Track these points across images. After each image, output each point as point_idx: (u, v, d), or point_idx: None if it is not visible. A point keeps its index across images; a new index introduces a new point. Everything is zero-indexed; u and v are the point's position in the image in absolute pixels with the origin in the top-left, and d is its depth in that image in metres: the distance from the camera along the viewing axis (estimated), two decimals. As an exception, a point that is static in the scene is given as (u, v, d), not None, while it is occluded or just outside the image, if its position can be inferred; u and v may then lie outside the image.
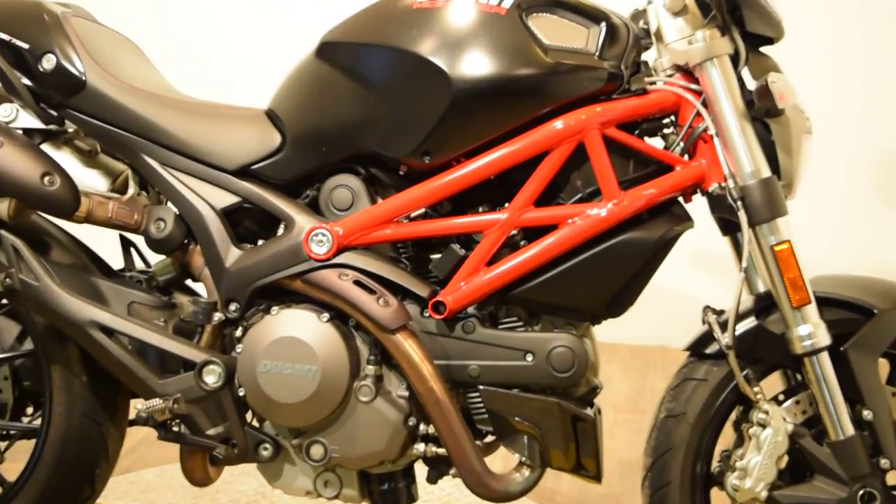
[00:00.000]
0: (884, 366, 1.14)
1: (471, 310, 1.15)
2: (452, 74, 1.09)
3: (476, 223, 1.14)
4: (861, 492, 1.08)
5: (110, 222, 1.24)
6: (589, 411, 1.15)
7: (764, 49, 1.15)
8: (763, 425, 1.08)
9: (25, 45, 1.22)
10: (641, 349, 2.53)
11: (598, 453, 1.16)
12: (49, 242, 1.30)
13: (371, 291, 1.12)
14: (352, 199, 1.18)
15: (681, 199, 1.16)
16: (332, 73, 1.17)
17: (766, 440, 1.08)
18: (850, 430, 1.08)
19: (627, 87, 1.14)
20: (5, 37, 1.23)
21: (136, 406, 1.19)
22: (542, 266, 1.12)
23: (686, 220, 1.15)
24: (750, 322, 1.13)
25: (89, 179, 1.28)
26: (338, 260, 1.15)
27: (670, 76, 1.14)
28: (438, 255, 1.16)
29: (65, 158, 1.28)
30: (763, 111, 1.10)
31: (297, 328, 1.14)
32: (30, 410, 1.37)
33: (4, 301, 1.31)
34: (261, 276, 1.17)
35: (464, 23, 1.11)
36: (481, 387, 1.15)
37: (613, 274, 1.12)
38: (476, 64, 1.09)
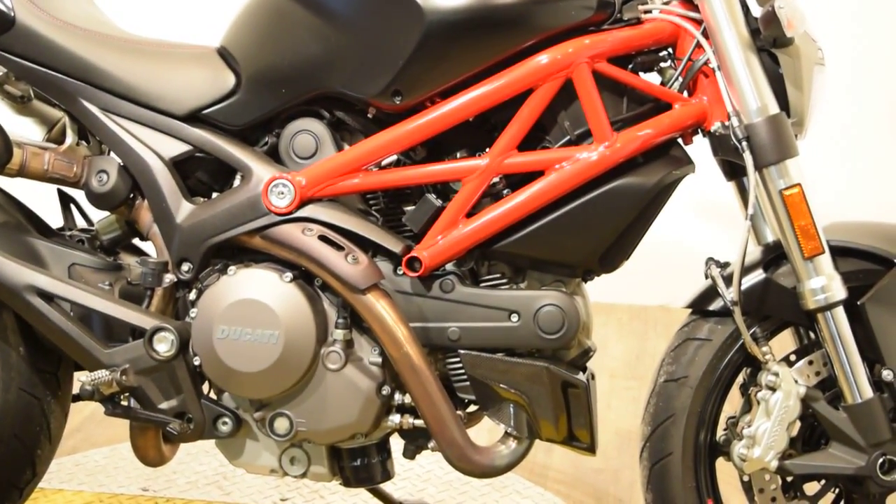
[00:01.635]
0: None
1: (449, 266, 1.11)
2: (424, 2, 1.02)
3: (453, 170, 1.09)
4: (881, 460, 1.03)
5: (46, 175, 1.18)
6: (581, 376, 1.10)
7: None
8: (773, 388, 1.03)
9: None
10: (641, 309, 2.49)
11: (592, 422, 1.11)
12: None
13: (338, 248, 1.07)
14: (315, 145, 1.13)
15: (680, 140, 1.11)
16: (290, 4, 1.11)
17: (775, 405, 1.03)
18: (868, 392, 1.03)
19: (619, 16, 1.08)
20: None
21: (80, 379, 1.14)
22: (528, 217, 1.07)
23: (687, 164, 1.10)
24: (758, 275, 1.07)
25: (22, 128, 1.23)
26: (301, 213, 1.10)
27: (667, 3, 1.09)
28: (412, 207, 1.12)
29: (7, 106, 1.24)
30: (770, 40, 1.04)
31: (257, 289, 1.09)
32: None
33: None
34: (216, 233, 1.12)
35: None
36: (462, 351, 1.11)
37: (606, 224, 1.07)
38: None
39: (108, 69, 1.16)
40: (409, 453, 1.19)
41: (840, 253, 1.05)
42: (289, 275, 1.08)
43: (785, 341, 1.12)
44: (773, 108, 1.03)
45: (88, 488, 1.67)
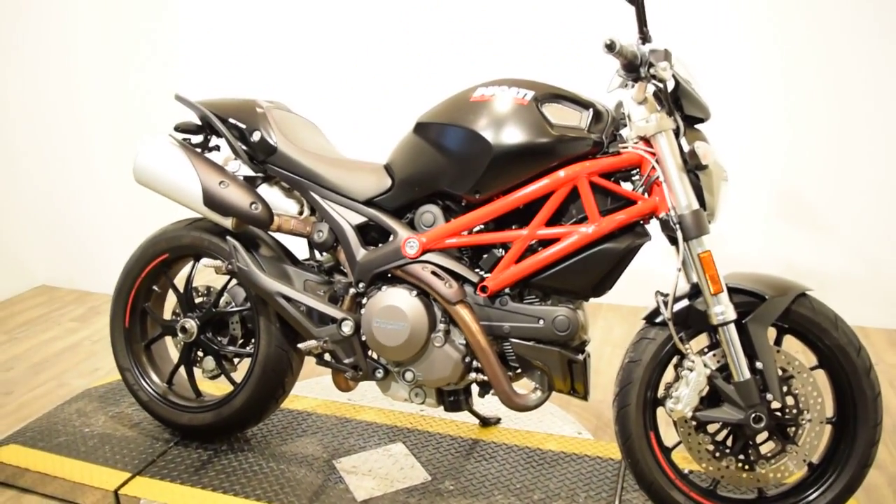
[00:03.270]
0: (773, 332, 1.65)
1: (507, 290, 1.74)
2: (493, 143, 1.66)
3: (508, 236, 1.72)
4: (753, 415, 1.61)
5: (292, 232, 1.95)
6: (580, 356, 1.70)
7: (699, 126, 1.67)
8: (690, 369, 1.62)
9: (243, 125, 1.95)
10: (634, 308, 3.13)
11: (586, 383, 1.72)
12: (260, 244, 2.03)
13: (441, 278, 1.75)
14: (433, 219, 1.80)
15: (642, 222, 1.69)
16: (421, 142, 1.77)
17: (692, 379, 1.61)
18: (747, 374, 1.60)
19: (607, 150, 1.67)
20: (233, 120, 1.97)
21: (301, 346, 1.90)
22: (551, 264, 1.68)
23: (644, 236, 1.68)
24: (685, 302, 1.65)
25: (286, 205, 1.98)
26: (423, 258, 1.78)
27: (636, 143, 1.65)
28: (486, 255, 1.78)
29: (274, 192, 2.00)
30: (694, 166, 1.60)
31: (396, 299, 1.79)
32: (251, 343, 2.15)
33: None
34: (376, 267, 1.83)
35: (501, 110, 1.68)
36: (511, 339, 1.75)
37: (595, 270, 1.66)
38: (508, 136, 1.66)
39: (324, 175, 1.88)
40: (481, 394, 1.86)
41: (735, 291, 1.61)
42: (415, 292, 1.78)
43: (703, 340, 1.71)
44: (696, 205, 1.58)
45: (318, 396, 2.50)
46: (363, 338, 1.87)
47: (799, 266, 3.21)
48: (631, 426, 1.71)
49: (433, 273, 1.77)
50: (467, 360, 1.80)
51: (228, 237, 1.95)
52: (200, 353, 2.15)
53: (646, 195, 1.66)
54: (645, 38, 1.61)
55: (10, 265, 3.90)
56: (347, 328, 1.86)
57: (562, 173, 1.66)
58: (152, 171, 1.95)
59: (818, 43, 3.02)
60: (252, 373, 2.03)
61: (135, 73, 3.77)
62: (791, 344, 1.65)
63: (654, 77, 1.57)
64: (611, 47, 1.47)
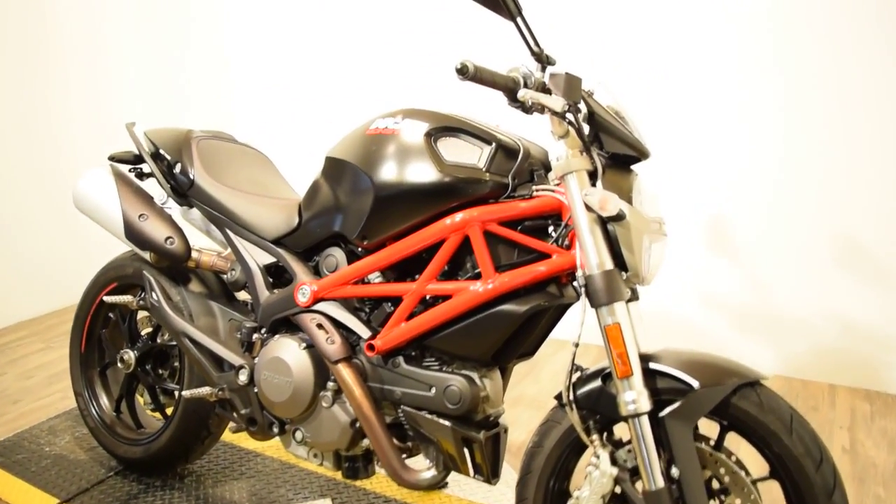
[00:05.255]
0: (715, 427, 1.30)
1: (406, 350, 1.50)
2: (375, 181, 1.45)
3: (396, 289, 1.50)
4: None
5: (212, 269, 1.86)
6: (480, 434, 1.44)
7: (637, 165, 1.36)
8: (595, 466, 1.33)
9: (169, 157, 1.88)
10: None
11: (493, 464, 1.45)
12: (192, 278, 1.94)
13: (326, 332, 1.55)
14: (335, 264, 1.60)
15: (561, 279, 1.40)
16: (322, 179, 1.60)
17: (595, 479, 1.32)
18: (660, 483, 1.26)
19: (513, 194, 1.40)
20: (162, 152, 1.90)
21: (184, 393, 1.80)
22: (444, 324, 1.44)
23: (558, 298, 1.39)
24: (596, 383, 1.35)
25: (216, 241, 1.89)
26: (315, 307, 1.59)
27: (557, 185, 1.37)
28: (376, 310, 1.55)
29: (211, 227, 1.88)
30: (607, 217, 1.28)
31: (284, 351, 1.62)
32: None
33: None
34: (274, 313, 1.67)
35: (389, 145, 1.47)
36: (403, 407, 1.52)
37: (490, 336, 1.40)
38: (389, 174, 1.44)
39: (235, 211, 1.75)
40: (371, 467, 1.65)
41: (659, 373, 1.28)
42: (304, 344, 1.60)
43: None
44: (608, 264, 1.28)
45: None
46: (255, 389, 1.71)
47: (860, 326, 2.64)
48: (530, 526, 1.42)
49: (319, 325, 1.58)
50: (358, 424, 1.59)
51: (144, 271, 1.88)
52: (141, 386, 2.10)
53: (566, 247, 1.38)
54: (541, 59, 1.33)
55: (64, 278, 4.02)
56: (244, 377, 1.72)
57: (449, 220, 1.42)
58: (86, 200, 1.93)
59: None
60: (177, 411, 1.95)
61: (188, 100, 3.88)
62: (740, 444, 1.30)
63: (532, 107, 1.28)
64: (462, 71, 1.21)
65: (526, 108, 1.31)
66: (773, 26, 2.63)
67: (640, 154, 1.35)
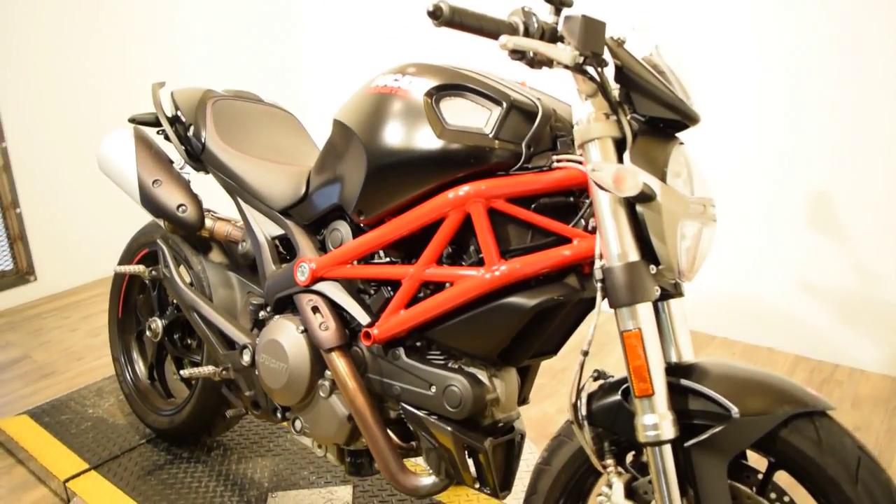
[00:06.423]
0: (762, 461, 1.04)
1: (409, 341, 1.33)
2: (368, 148, 1.27)
3: (394, 272, 1.31)
4: None
5: (227, 239, 1.74)
6: (486, 442, 1.25)
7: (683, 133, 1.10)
8: (607, 497, 1.11)
9: (184, 119, 1.77)
10: (749, 347, 2.36)
11: (501, 477, 1.27)
12: (213, 246, 1.85)
13: (321, 315, 1.39)
14: (340, 239, 1.43)
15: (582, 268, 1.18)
16: (329, 144, 1.42)
17: None
18: None
19: (527, 165, 1.17)
20: (179, 114, 1.78)
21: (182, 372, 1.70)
22: (447, 314, 1.24)
23: (577, 292, 1.17)
24: (615, 397, 1.11)
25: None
26: (314, 287, 1.43)
27: (580, 154, 1.11)
28: (375, 294, 1.37)
29: None
30: (636, 197, 1.03)
31: (281, 334, 1.47)
32: None
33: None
34: (277, 291, 1.53)
35: (388, 106, 1.27)
36: (402, 404, 1.35)
37: (495, 332, 1.20)
38: (384, 140, 1.25)
39: (245, 178, 1.61)
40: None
41: (691, 392, 1.04)
42: (301, 328, 1.44)
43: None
44: (633, 256, 1.04)
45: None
46: (257, 371, 1.58)
47: None
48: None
49: (315, 308, 1.42)
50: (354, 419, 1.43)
51: (158, 240, 1.80)
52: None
53: (592, 231, 1.16)
54: (554, 2, 1.08)
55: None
56: (247, 357, 1.60)
57: (450, 195, 1.20)
58: (107, 163, 1.86)
59: None
60: (197, 384, 1.88)
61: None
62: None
63: (534, 60, 1.04)
64: (434, 14, 0.98)
65: (531, 62, 1.06)
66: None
67: (686, 118, 1.07)
